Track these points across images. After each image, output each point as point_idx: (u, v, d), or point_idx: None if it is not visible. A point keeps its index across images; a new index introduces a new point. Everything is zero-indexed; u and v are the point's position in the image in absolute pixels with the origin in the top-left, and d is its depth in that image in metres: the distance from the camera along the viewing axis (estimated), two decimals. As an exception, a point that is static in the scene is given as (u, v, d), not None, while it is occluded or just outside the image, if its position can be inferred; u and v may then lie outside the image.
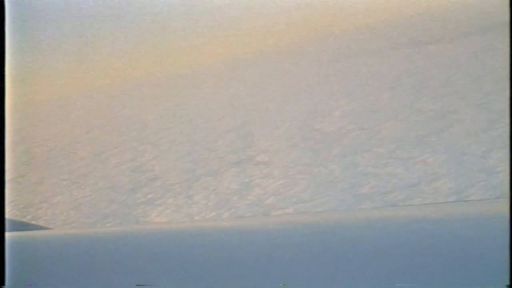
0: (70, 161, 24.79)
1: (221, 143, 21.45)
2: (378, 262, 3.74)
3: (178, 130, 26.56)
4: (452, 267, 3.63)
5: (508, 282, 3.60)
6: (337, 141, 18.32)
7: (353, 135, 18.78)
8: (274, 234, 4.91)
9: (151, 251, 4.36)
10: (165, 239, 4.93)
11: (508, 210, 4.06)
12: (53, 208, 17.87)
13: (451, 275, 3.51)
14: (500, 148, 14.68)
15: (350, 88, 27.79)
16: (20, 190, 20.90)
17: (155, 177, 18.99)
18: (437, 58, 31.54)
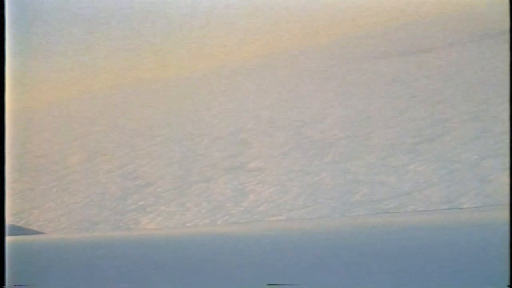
0: (61, 167, 24.74)
1: (214, 150, 21.47)
2: (378, 265, 3.77)
3: (170, 137, 26.55)
4: (452, 270, 3.67)
5: (508, 282, 3.62)
6: (329, 148, 18.37)
7: (344, 142, 18.83)
8: (269, 239, 4.95)
9: (147, 256, 4.38)
10: (164, 244, 4.95)
11: (508, 216, 4.09)
12: (45, 214, 17.84)
13: (450, 277, 3.54)
14: (491, 157, 14.75)
15: (342, 96, 27.88)
16: (11, 196, 20.87)
17: (146, 183, 18.97)
18: (428, 66, 31.69)
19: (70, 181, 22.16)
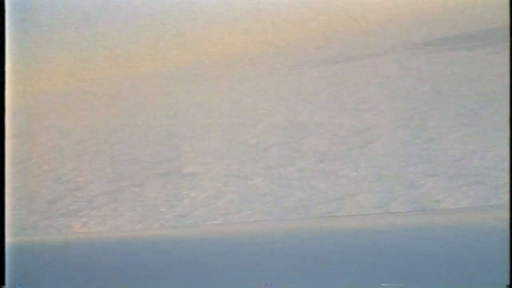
0: (-12, 170, 24.19)
1: (146, 154, 21.44)
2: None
3: (101, 140, 26.33)
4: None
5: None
6: (262, 154, 18.64)
7: (277, 148, 19.14)
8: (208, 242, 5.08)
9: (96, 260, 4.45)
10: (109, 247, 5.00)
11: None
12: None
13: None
14: (418, 163, 15.28)
15: (274, 102, 28.22)
16: None
17: (77, 187, 18.82)
18: (357, 74, 32.37)
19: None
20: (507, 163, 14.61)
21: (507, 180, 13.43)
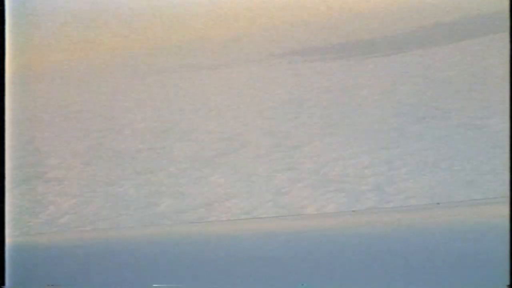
0: None
1: (7, 159, 20.72)
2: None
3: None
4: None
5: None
6: (130, 159, 18.52)
7: (145, 154, 19.08)
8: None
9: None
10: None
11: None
12: None
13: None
14: (284, 170, 15.75)
15: (142, 106, 28.05)
16: None
17: None
18: (225, 82, 32.79)
19: None
20: (369, 170, 15.37)
21: (369, 186, 14.10)
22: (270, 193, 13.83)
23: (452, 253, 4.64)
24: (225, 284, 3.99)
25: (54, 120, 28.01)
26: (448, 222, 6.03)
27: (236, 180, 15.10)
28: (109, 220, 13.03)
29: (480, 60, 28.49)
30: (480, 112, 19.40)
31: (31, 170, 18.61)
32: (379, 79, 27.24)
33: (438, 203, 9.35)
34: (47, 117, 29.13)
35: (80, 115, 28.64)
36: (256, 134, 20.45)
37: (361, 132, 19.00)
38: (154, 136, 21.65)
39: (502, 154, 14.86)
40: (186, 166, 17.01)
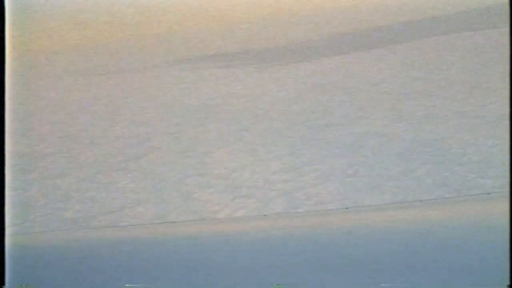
0: None
1: None
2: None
3: None
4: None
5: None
6: (36, 164, 18.12)
7: (51, 158, 18.71)
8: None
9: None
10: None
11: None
12: None
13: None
14: (194, 175, 15.80)
15: (47, 111, 27.45)
16: None
17: None
18: (131, 86, 32.48)
19: None
20: (277, 176, 15.63)
21: (278, 192, 14.35)
22: (181, 198, 13.86)
23: (355, 256, 4.83)
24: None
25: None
26: (356, 226, 6.25)
27: (146, 186, 15.04)
28: (16, 227, 12.72)
29: (382, 69, 29.40)
30: (385, 120, 20.05)
31: None
32: (287, 87, 27.69)
33: (347, 208, 9.65)
34: None
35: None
36: (165, 140, 20.39)
37: (269, 138, 19.29)
38: (60, 141, 21.24)
39: (405, 161, 15.43)
40: (94, 171, 16.79)
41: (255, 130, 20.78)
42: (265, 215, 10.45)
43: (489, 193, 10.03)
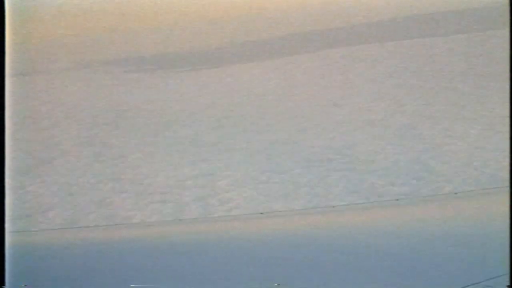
0: None
1: None
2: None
3: None
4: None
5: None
6: None
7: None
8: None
9: None
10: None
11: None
12: None
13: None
14: (106, 181, 15.66)
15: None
16: None
17: None
18: (40, 89, 31.81)
19: None
20: (191, 182, 15.69)
21: (192, 197, 14.40)
22: (93, 203, 13.71)
23: (277, 261, 4.95)
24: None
25: None
26: (273, 231, 6.39)
27: (57, 190, 14.80)
28: None
29: (290, 76, 29.91)
30: (295, 128, 20.44)
31: None
32: (203, 92, 27.77)
33: (261, 213, 9.82)
34: None
35: None
36: (76, 143, 20.09)
37: (182, 144, 19.32)
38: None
39: (315, 168, 15.79)
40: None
41: (168, 135, 20.76)
42: (180, 220, 10.50)
43: (397, 199, 10.42)
